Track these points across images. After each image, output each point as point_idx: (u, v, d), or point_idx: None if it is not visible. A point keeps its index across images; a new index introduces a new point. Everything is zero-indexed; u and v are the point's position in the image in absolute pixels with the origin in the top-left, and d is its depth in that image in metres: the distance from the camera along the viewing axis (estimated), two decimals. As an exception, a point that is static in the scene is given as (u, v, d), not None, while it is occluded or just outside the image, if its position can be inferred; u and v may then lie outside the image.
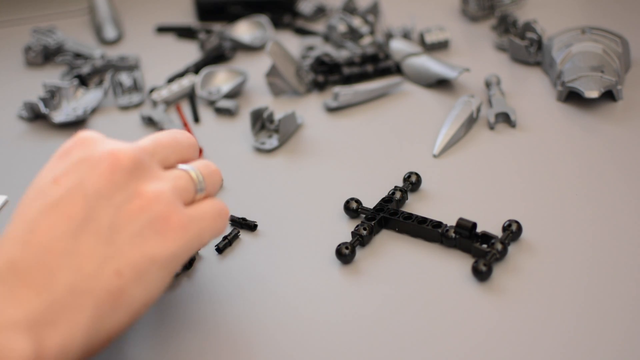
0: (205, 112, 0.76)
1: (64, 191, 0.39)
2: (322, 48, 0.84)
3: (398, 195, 0.58)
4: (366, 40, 0.84)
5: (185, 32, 0.93)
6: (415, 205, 0.59)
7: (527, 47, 0.78)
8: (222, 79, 0.79)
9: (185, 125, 0.72)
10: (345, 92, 0.73)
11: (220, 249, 0.55)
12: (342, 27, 0.85)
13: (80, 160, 0.41)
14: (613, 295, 0.49)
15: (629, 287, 0.49)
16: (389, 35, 0.84)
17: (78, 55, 0.88)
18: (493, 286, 0.50)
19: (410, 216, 0.55)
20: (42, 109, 0.74)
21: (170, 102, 0.77)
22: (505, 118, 0.69)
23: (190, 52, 0.89)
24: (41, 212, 0.39)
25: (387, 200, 0.58)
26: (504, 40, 0.83)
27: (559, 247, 0.53)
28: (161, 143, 0.46)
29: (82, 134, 0.43)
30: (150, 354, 0.47)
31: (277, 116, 0.68)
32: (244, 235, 0.57)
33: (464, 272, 0.51)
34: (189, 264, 0.54)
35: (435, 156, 0.65)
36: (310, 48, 0.85)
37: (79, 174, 0.40)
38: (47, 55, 0.88)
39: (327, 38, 0.88)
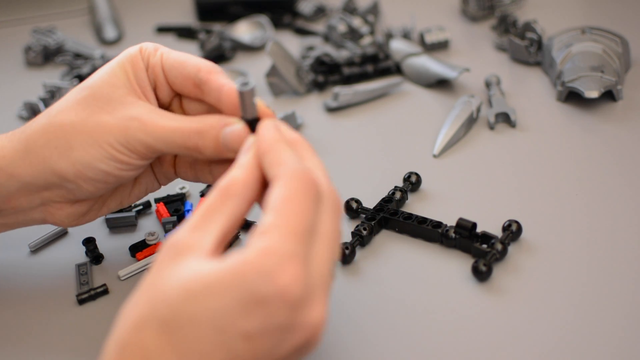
0: (205, 112, 0.76)
1: (254, 357, 0.35)
2: (322, 48, 0.84)
3: (398, 195, 0.58)
4: (366, 40, 0.84)
5: (185, 32, 0.93)
6: (415, 205, 0.59)
7: (527, 47, 0.78)
8: (222, 79, 0.79)
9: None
10: (345, 92, 0.73)
11: (220, 249, 0.55)
12: (342, 27, 0.85)
13: (282, 330, 0.35)
14: (612, 295, 0.49)
15: (628, 286, 0.49)
16: (389, 35, 0.84)
17: (78, 55, 0.88)
18: (493, 286, 0.50)
19: (410, 216, 0.55)
20: (42, 109, 0.74)
21: (170, 102, 0.77)
22: (505, 118, 0.69)
23: (190, 52, 0.88)
24: None
25: (387, 200, 0.58)
26: (504, 40, 0.83)
27: (559, 247, 0.53)
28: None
29: (290, 289, 0.35)
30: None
31: (277, 116, 0.68)
32: (243, 235, 0.57)
33: (464, 272, 0.51)
34: None
35: (435, 156, 0.65)
36: (310, 48, 0.85)
37: (274, 343, 0.36)
38: (47, 55, 0.88)
39: (327, 38, 0.88)
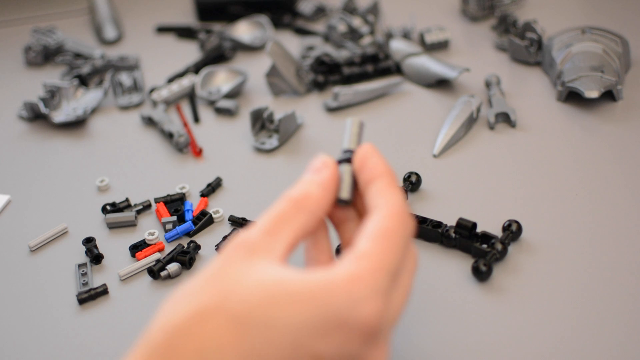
0: (205, 112, 0.76)
1: None
2: (322, 48, 0.84)
3: (398, 195, 0.58)
4: (366, 40, 0.84)
5: (185, 32, 0.93)
6: (415, 205, 0.59)
7: (527, 47, 0.78)
8: (222, 79, 0.79)
9: (185, 126, 0.72)
10: (345, 92, 0.73)
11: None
12: (342, 27, 0.85)
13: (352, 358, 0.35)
14: (612, 295, 0.49)
15: (628, 286, 0.49)
16: (389, 35, 0.84)
17: (78, 55, 0.88)
18: (493, 286, 0.50)
19: (410, 216, 0.55)
20: (42, 109, 0.74)
21: (170, 102, 0.77)
22: (505, 118, 0.69)
23: (190, 52, 0.89)
24: None
25: (387, 200, 0.58)
26: (504, 40, 0.83)
27: (559, 247, 0.53)
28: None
29: (371, 322, 0.35)
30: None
31: (277, 116, 0.68)
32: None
33: (464, 272, 0.51)
34: (189, 263, 0.54)
35: (435, 156, 0.65)
36: (310, 48, 0.85)
37: None
38: (47, 55, 0.88)
39: (327, 38, 0.88)
